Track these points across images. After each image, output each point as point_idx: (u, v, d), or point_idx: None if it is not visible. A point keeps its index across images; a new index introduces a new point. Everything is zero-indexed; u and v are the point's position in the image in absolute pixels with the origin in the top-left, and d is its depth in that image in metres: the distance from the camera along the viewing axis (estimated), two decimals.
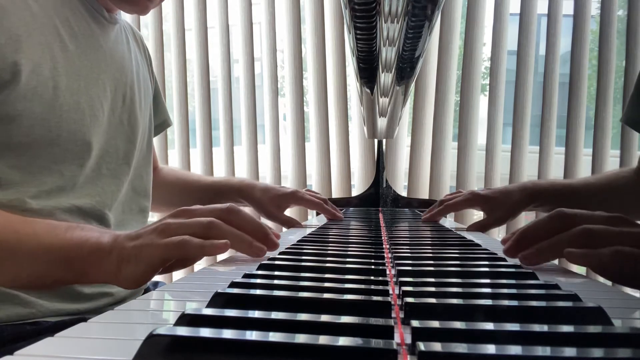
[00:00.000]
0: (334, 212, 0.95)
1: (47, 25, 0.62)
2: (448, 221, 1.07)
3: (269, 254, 0.51)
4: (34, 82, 0.59)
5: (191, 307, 0.26)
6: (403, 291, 0.30)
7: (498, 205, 0.87)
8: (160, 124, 0.96)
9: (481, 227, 0.88)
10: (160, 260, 0.47)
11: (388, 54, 0.64)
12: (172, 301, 0.34)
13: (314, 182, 1.47)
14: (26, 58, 0.58)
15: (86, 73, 0.66)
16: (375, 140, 1.37)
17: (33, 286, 0.54)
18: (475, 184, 1.42)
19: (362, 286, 0.32)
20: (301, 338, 0.22)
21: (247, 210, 0.71)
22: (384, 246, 0.54)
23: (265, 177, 1.49)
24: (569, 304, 0.28)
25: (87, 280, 0.51)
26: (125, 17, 1.54)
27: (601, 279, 0.47)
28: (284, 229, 0.93)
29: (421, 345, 0.20)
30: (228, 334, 0.22)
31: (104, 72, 0.70)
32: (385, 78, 0.73)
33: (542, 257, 0.46)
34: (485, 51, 1.44)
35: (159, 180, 0.96)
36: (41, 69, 0.60)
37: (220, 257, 0.57)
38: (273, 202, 0.96)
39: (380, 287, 0.31)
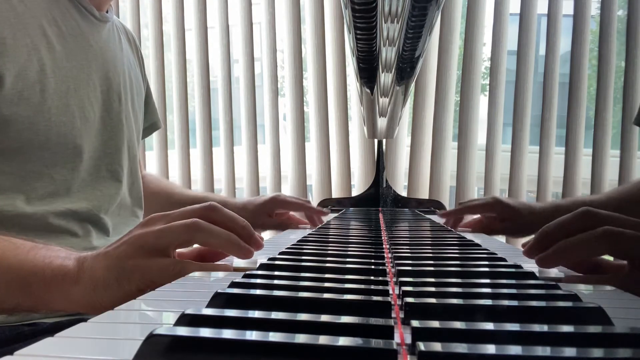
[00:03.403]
0: (318, 211, 0.94)
1: (32, 26, 0.61)
2: None
3: (269, 254, 0.51)
4: (20, 86, 0.58)
5: (191, 307, 0.26)
6: (403, 291, 0.30)
7: (517, 217, 0.84)
8: (150, 126, 0.94)
9: (487, 230, 0.86)
10: (150, 283, 0.42)
11: (388, 54, 0.64)
12: (172, 301, 0.34)
13: (314, 182, 1.47)
14: (11, 62, 0.57)
15: (75, 74, 0.65)
16: (375, 140, 1.37)
17: None
18: (475, 184, 1.42)
19: (362, 286, 0.32)
20: (301, 338, 0.22)
21: None
22: (384, 246, 0.54)
23: (266, 177, 1.49)
24: (568, 304, 0.28)
25: (49, 309, 0.45)
26: (126, 17, 1.55)
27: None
28: (283, 231, 0.93)
29: (421, 345, 0.20)
30: (228, 334, 0.22)
31: (94, 72, 0.69)
32: (385, 78, 0.73)
33: (560, 258, 0.43)
34: (485, 51, 1.44)
35: (143, 188, 0.94)
36: (27, 72, 0.58)
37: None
38: (258, 211, 0.93)
39: (380, 287, 0.31)
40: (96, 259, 0.44)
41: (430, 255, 0.49)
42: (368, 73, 0.73)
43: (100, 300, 0.42)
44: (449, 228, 0.82)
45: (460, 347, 0.20)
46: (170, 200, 0.99)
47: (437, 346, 0.20)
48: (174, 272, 0.42)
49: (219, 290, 0.30)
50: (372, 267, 0.40)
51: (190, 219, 0.45)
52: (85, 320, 0.28)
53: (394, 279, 0.38)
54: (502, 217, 0.86)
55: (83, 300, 0.43)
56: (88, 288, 0.42)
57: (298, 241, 0.57)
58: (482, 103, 1.41)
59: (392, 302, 0.30)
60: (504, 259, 0.45)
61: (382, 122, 1.04)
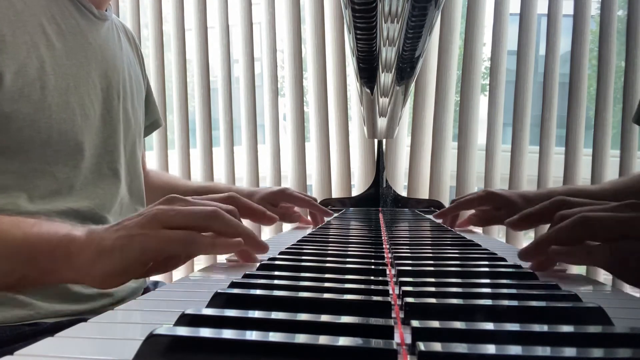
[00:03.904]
0: (324, 211, 0.95)
1: (32, 23, 0.61)
2: None
3: (269, 254, 0.51)
4: (20, 83, 0.58)
5: (191, 307, 0.26)
6: (403, 291, 0.30)
7: (512, 205, 0.83)
8: (151, 124, 0.95)
9: (485, 220, 0.86)
10: (153, 253, 0.42)
11: (388, 54, 0.64)
12: (172, 301, 0.34)
13: (314, 182, 1.47)
14: (11, 59, 0.57)
15: (75, 71, 0.65)
16: (375, 140, 1.37)
17: None
18: (475, 184, 1.42)
19: (362, 286, 0.32)
20: (301, 338, 0.22)
21: None
22: (384, 246, 0.54)
23: (266, 177, 1.49)
24: (569, 304, 0.28)
25: (53, 279, 0.45)
26: (126, 17, 1.54)
27: (601, 279, 0.47)
28: (284, 230, 0.93)
29: (421, 345, 0.20)
30: (228, 334, 0.22)
31: (94, 70, 0.69)
32: (385, 78, 0.73)
33: (541, 250, 0.43)
34: (485, 51, 1.44)
35: (146, 184, 0.92)
36: (27, 69, 0.59)
37: (221, 255, 0.56)
38: (264, 200, 0.93)
39: (380, 287, 0.31)
40: (108, 230, 0.44)
41: (430, 255, 0.49)
42: (368, 73, 0.73)
43: (101, 269, 0.42)
44: (449, 228, 0.82)
45: (460, 347, 0.20)
46: (175, 191, 0.99)
47: (437, 346, 0.20)
48: (183, 240, 0.42)
49: (219, 290, 0.30)
50: (372, 267, 0.41)
51: (211, 207, 0.45)
52: (85, 320, 0.28)
53: (394, 279, 0.38)
54: (496, 207, 0.86)
55: (84, 267, 0.43)
56: (93, 255, 0.42)
57: (298, 241, 0.57)
58: (482, 103, 1.41)
59: (392, 302, 0.30)
60: (504, 259, 0.45)
61: (382, 122, 1.04)
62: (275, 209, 0.95)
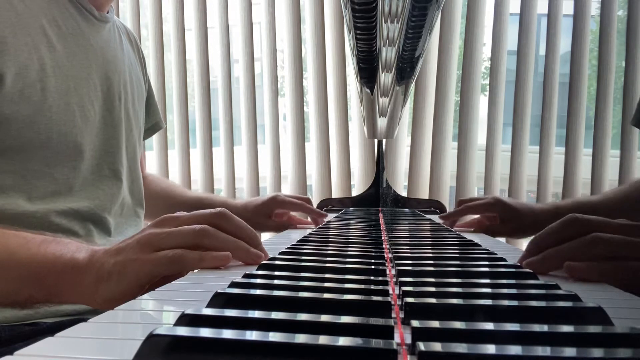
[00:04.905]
0: (317, 212, 0.95)
1: (33, 25, 0.61)
2: None
3: (269, 254, 0.51)
4: (20, 85, 0.58)
5: (191, 307, 0.26)
6: (403, 291, 0.30)
7: (518, 218, 0.85)
8: (152, 127, 0.95)
9: (490, 232, 0.86)
10: (148, 277, 0.43)
11: (388, 54, 0.64)
12: (172, 301, 0.34)
13: (314, 182, 1.47)
14: (11, 60, 0.57)
15: (75, 73, 0.65)
16: (375, 140, 1.37)
17: (7, 303, 0.49)
18: (475, 184, 1.42)
19: (362, 286, 0.32)
20: (301, 338, 0.22)
21: None
22: (384, 246, 0.54)
23: (266, 177, 1.49)
24: (569, 304, 0.28)
25: (60, 300, 0.47)
26: (126, 17, 1.54)
27: None
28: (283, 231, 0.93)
29: (421, 345, 0.20)
30: (228, 334, 0.22)
31: (94, 72, 0.69)
32: (385, 78, 0.73)
33: (548, 265, 0.44)
34: (485, 51, 1.44)
35: (144, 188, 0.91)
36: (27, 71, 0.59)
37: None
38: (257, 212, 0.94)
39: (380, 287, 0.31)
40: (106, 253, 0.45)
41: (430, 255, 0.49)
42: (368, 73, 0.73)
43: (101, 294, 0.43)
44: (449, 228, 0.82)
45: (460, 347, 0.20)
46: (171, 201, 0.99)
47: (437, 346, 0.20)
48: (172, 260, 0.43)
49: (219, 290, 0.30)
50: (372, 267, 0.40)
51: (200, 224, 0.46)
52: (85, 320, 0.28)
53: (394, 279, 0.38)
54: (502, 217, 0.86)
55: (87, 292, 0.44)
56: (94, 281, 0.44)
57: (298, 241, 0.57)
58: (482, 103, 1.41)
59: (392, 302, 0.30)
60: (504, 259, 0.45)
61: (382, 122, 1.04)
62: (271, 221, 0.95)
